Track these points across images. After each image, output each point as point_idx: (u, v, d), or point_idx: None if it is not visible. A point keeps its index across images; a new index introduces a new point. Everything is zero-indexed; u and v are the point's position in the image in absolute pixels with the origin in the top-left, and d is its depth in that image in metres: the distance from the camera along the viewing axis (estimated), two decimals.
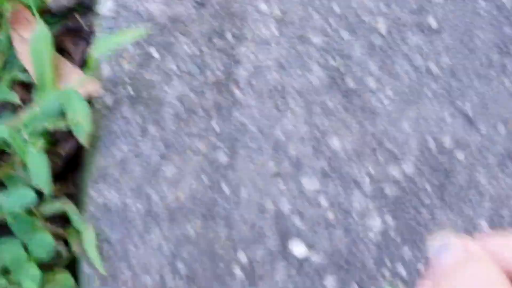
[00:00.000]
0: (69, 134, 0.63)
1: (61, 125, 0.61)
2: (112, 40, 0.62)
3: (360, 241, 0.61)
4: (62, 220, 0.64)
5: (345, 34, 0.63)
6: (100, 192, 0.63)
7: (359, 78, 0.64)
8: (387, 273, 0.61)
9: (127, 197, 0.63)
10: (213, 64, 0.65)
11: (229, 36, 0.65)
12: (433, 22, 0.64)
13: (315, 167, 0.63)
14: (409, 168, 0.63)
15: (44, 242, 0.60)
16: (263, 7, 0.65)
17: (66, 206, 0.62)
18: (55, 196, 0.63)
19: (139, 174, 0.63)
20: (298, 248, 0.61)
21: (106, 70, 0.65)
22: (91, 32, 0.70)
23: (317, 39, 0.64)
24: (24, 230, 0.60)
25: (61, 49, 0.68)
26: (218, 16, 0.65)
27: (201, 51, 0.65)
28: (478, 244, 0.47)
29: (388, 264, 0.61)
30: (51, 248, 0.60)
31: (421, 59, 0.64)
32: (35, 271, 0.60)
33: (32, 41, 0.63)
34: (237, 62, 0.65)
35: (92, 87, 0.63)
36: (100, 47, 0.62)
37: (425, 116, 0.64)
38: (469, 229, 0.62)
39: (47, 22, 0.66)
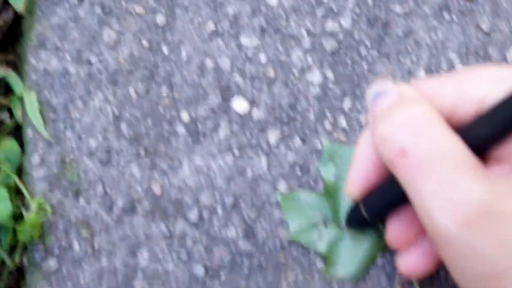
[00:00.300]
0: (6, 4, 0.63)
1: None
2: None
3: (301, 95, 0.62)
4: (4, 89, 0.64)
5: None
6: (40, 59, 0.63)
7: None
8: (328, 126, 0.62)
9: (67, 62, 0.63)
10: None
11: None
12: None
13: (253, 25, 0.63)
14: (346, 21, 0.64)
15: None
16: None
17: (6, 73, 0.62)
18: None
19: (78, 40, 0.63)
20: (240, 105, 0.62)
21: None
22: None
23: None
24: None
25: None
26: None
27: None
28: (414, 88, 0.48)
29: (329, 116, 0.62)
30: None
31: None
32: None
33: None
34: None
35: None
36: None
37: None
38: (408, 79, 0.63)
39: None
